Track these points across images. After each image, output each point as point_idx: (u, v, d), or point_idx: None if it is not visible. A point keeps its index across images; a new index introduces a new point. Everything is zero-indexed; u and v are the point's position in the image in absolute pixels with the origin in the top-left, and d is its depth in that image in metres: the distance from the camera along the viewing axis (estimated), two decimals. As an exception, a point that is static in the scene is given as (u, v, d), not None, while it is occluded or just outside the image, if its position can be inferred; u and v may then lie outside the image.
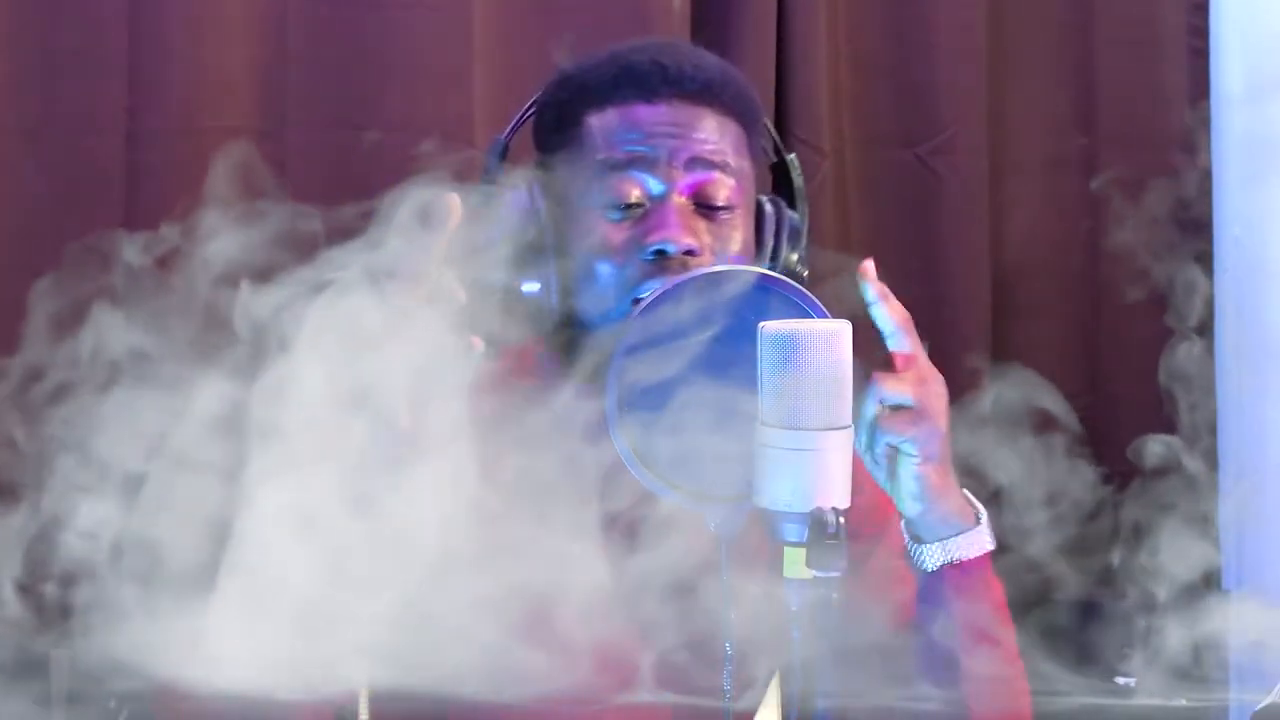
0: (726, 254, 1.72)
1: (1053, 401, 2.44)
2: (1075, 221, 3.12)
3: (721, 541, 1.51)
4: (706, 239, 1.70)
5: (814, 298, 1.48)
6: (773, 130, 1.87)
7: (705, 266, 1.62)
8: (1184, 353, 3.13)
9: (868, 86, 3.08)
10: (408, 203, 1.35)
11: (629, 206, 1.70)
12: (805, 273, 1.79)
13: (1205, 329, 3.20)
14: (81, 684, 1.94)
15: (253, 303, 1.46)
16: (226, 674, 1.39)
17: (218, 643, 1.42)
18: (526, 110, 1.83)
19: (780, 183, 1.88)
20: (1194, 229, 3.14)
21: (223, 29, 2.54)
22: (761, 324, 1.32)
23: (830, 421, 1.30)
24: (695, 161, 1.72)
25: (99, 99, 2.46)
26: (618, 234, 1.70)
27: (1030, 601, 2.35)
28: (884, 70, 3.09)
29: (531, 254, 1.70)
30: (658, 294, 1.50)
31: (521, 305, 1.71)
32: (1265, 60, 3.23)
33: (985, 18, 3.12)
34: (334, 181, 2.47)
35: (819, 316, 1.44)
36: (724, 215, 1.73)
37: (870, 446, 1.56)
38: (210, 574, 1.48)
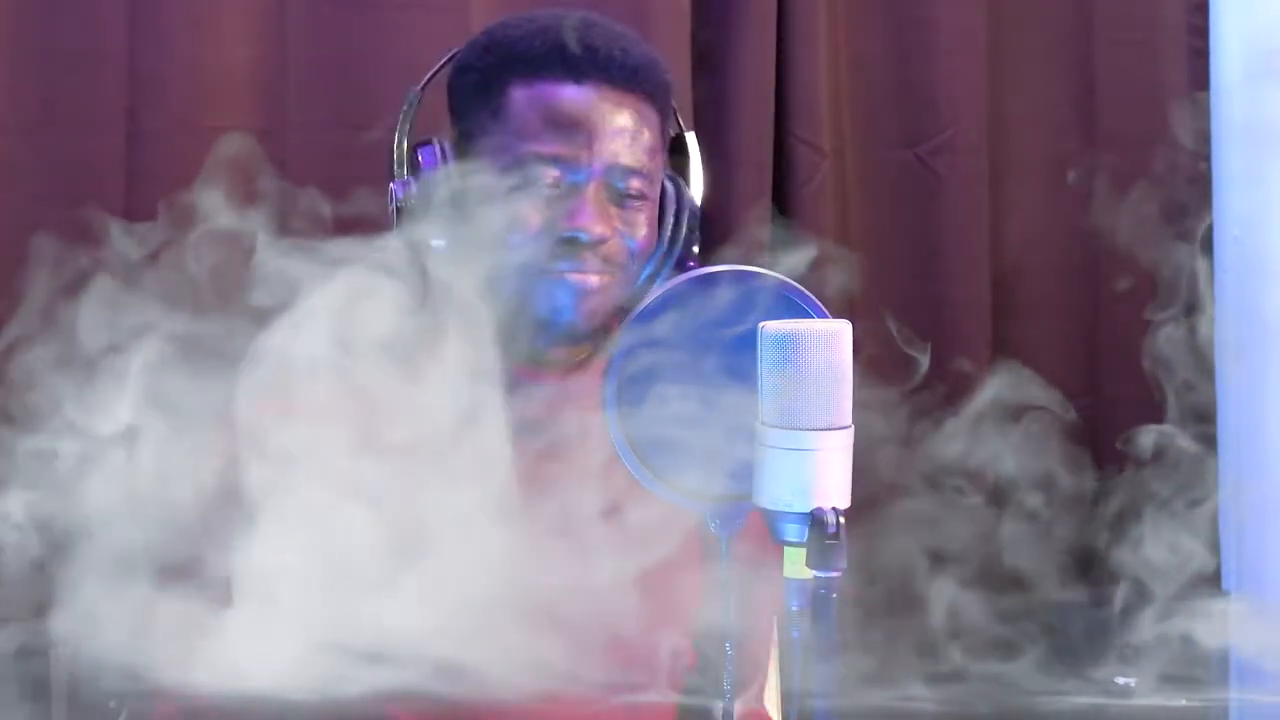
0: (634, 238, 1.78)
1: (1052, 401, 2.44)
2: (1075, 221, 3.11)
3: (722, 540, 1.52)
4: (616, 224, 1.77)
5: (814, 298, 1.48)
6: (676, 106, 1.91)
7: (707, 268, 1.62)
8: (1183, 353, 3.14)
9: (868, 86, 3.07)
10: None
11: (546, 186, 1.75)
12: (696, 249, 1.85)
13: (1205, 330, 3.20)
14: (81, 684, 1.94)
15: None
16: (244, 675, 1.40)
17: (236, 644, 1.43)
18: (443, 63, 1.87)
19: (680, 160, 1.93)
20: (1194, 229, 3.14)
21: (222, 29, 2.54)
22: (761, 324, 1.32)
23: (830, 421, 1.30)
24: (615, 154, 1.76)
25: (99, 99, 2.46)
26: (533, 214, 1.74)
27: (1029, 601, 2.36)
28: (884, 70, 3.08)
29: (440, 212, 1.72)
30: (656, 295, 1.50)
31: (426, 258, 1.72)
32: (1265, 60, 3.23)
33: (985, 18, 3.11)
34: (333, 181, 2.47)
35: (819, 316, 1.44)
36: (634, 204, 1.79)
37: None
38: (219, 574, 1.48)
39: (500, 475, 1.59)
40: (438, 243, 1.72)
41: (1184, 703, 2.03)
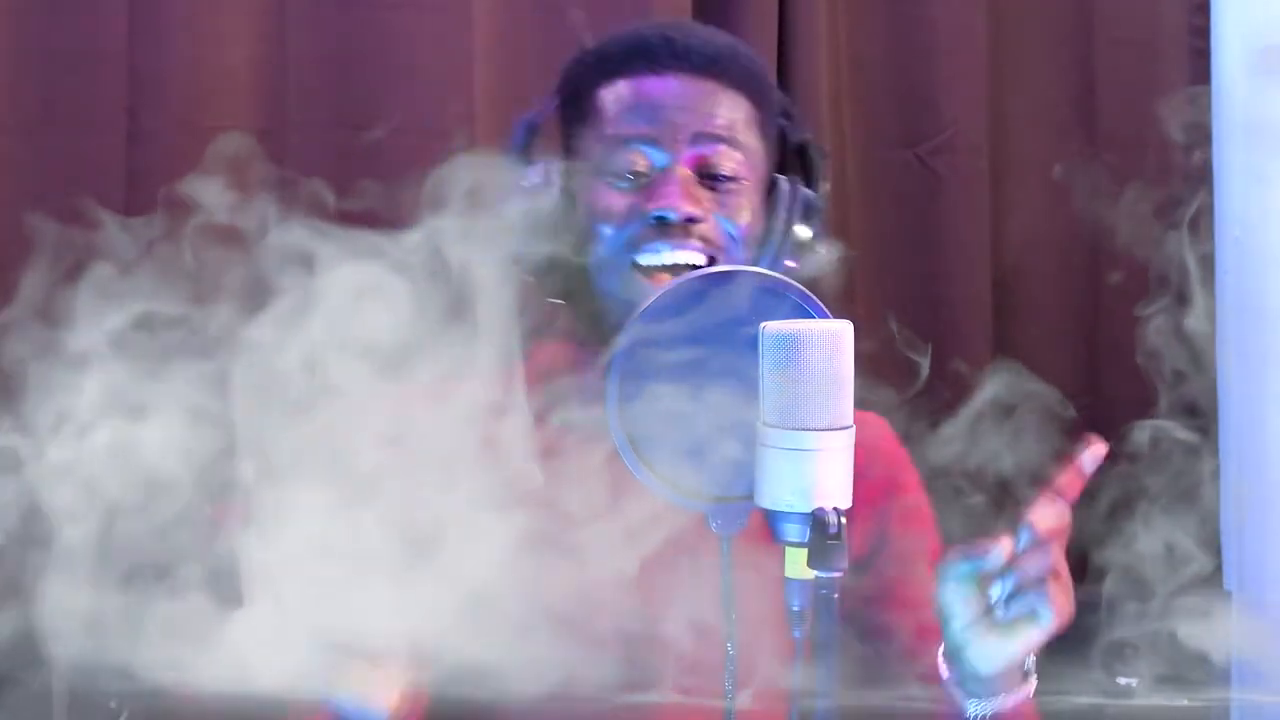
0: (734, 223, 1.76)
1: (1052, 401, 2.44)
2: (1075, 221, 3.11)
3: (723, 541, 1.52)
4: (709, 207, 1.75)
5: (815, 298, 1.48)
6: (792, 110, 1.91)
7: (708, 268, 1.62)
8: (1184, 353, 3.14)
9: (868, 86, 3.08)
10: None
11: (635, 175, 1.75)
12: (821, 249, 1.81)
13: (1206, 329, 3.20)
14: (82, 684, 1.94)
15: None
16: (256, 676, 1.40)
17: (252, 645, 1.43)
18: (551, 96, 1.88)
19: (804, 167, 1.90)
20: (1194, 230, 3.14)
21: (222, 29, 2.54)
22: (763, 324, 1.32)
23: (831, 421, 1.30)
24: (701, 134, 1.75)
25: (99, 99, 2.46)
26: (622, 200, 1.75)
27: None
28: (884, 70, 3.09)
29: (547, 226, 1.73)
30: (658, 295, 1.50)
31: (544, 276, 1.74)
32: (1261, 56, 3.23)
33: (985, 18, 3.12)
34: (334, 181, 2.47)
35: (820, 316, 1.44)
36: (729, 186, 1.77)
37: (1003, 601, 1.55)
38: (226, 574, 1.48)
39: (552, 479, 1.58)
40: (543, 261, 1.74)
41: (1185, 703, 2.03)
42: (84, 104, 2.46)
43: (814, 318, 1.44)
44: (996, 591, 1.53)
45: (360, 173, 1.84)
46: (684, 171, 1.74)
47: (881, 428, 1.97)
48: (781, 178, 1.84)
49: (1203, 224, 3.17)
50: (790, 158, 1.90)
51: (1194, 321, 3.14)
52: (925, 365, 2.04)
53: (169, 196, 1.65)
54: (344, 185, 1.74)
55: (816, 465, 1.30)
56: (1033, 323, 3.17)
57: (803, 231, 1.82)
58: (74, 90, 2.45)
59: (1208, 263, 3.19)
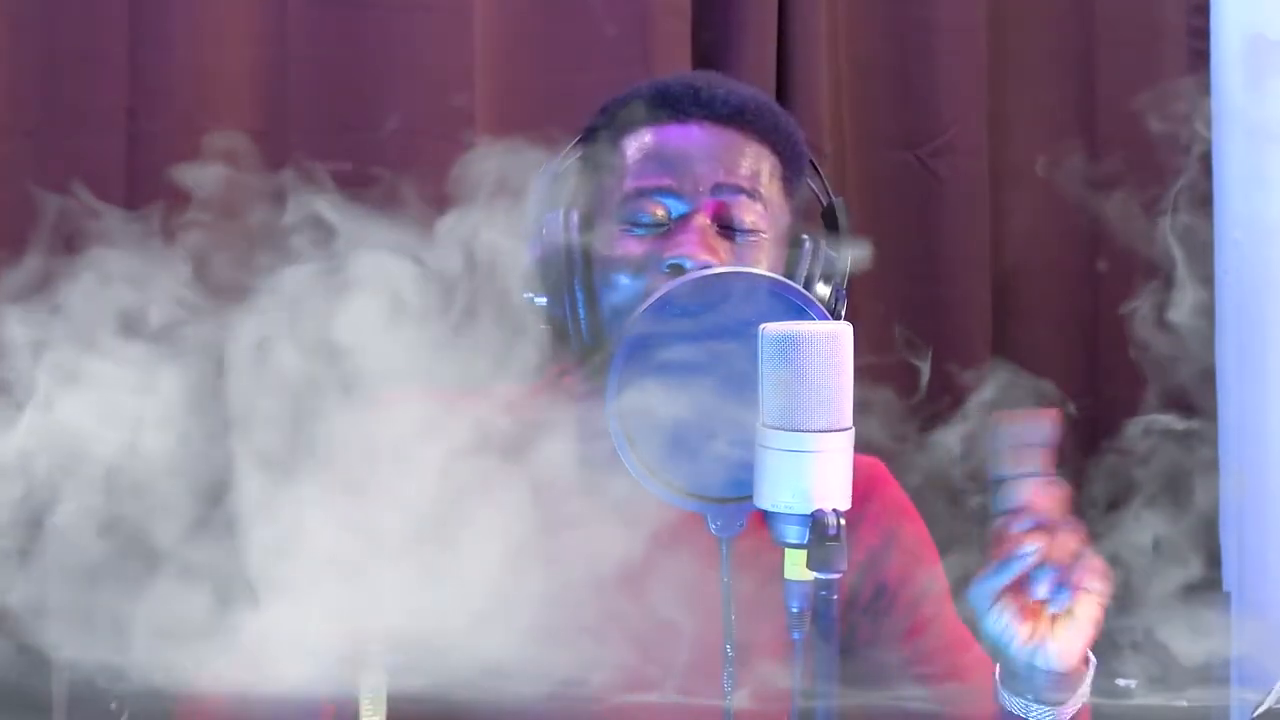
0: None
1: (1052, 402, 2.43)
2: (1075, 222, 3.12)
3: (722, 542, 1.52)
4: (727, 258, 1.70)
5: (815, 300, 1.48)
6: (820, 170, 1.87)
7: (705, 270, 1.62)
8: (1184, 354, 3.14)
9: (868, 88, 3.07)
10: None
11: (654, 224, 1.71)
12: (842, 311, 1.79)
13: (1206, 332, 3.21)
14: (83, 685, 1.94)
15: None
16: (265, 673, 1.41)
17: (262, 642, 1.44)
18: (578, 139, 1.84)
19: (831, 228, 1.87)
20: (1193, 232, 3.14)
21: (223, 30, 2.54)
22: (762, 325, 1.32)
23: (831, 423, 1.30)
24: (721, 185, 1.72)
25: (99, 100, 2.46)
26: (639, 248, 1.71)
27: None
28: (884, 71, 3.08)
29: (559, 274, 1.72)
30: (658, 296, 1.50)
31: (553, 324, 1.72)
32: (1265, 61, 3.23)
33: (985, 19, 3.11)
34: (333, 183, 2.47)
35: (819, 318, 1.44)
36: (749, 238, 1.73)
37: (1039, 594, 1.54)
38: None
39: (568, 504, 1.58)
40: (556, 308, 1.72)
41: (1184, 704, 2.03)
42: (84, 105, 2.46)
43: (813, 318, 1.44)
44: (1042, 590, 1.52)
45: (360, 173, 1.85)
46: (703, 220, 1.71)
47: (879, 471, 1.95)
48: (806, 238, 1.80)
49: (1202, 226, 3.17)
50: (816, 218, 1.88)
51: (1193, 323, 3.14)
52: (925, 367, 2.04)
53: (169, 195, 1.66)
54: (343, 186, 1.74)
55: (816, 466, 1.30)
56: (1033, 323, 3.17)
57: (821, 290, 1.78)
58: (74, 91, 2.45)
59: (1207, 264, 3.19)
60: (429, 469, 1.52)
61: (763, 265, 1.72)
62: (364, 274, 1.58)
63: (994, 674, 1.66)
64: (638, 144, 1.76)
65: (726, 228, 1.72)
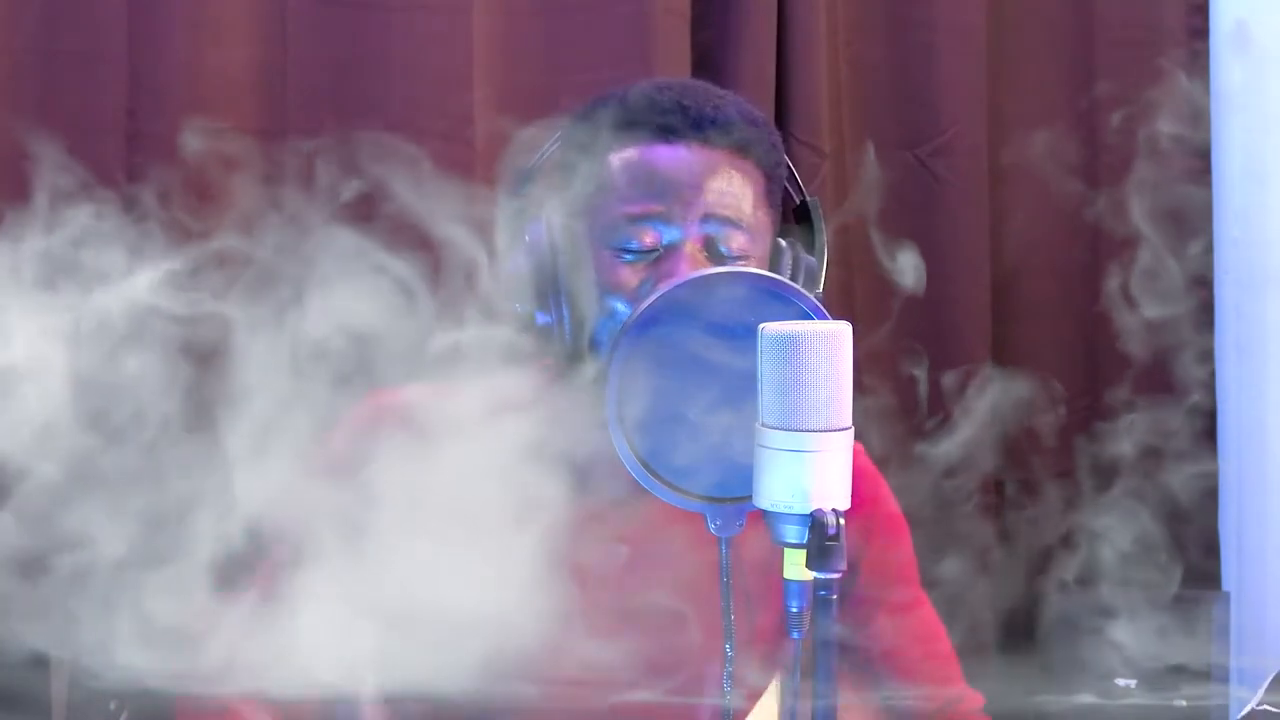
0: None
1: (1053, 403, 2.44)
2: (1075, 223, 3.12)
3: (722, 542, 1.52)
4: None
5: (815, 299, 1.48)
6: (795, 173, 1.87)
7: (704, 270, 1.62)
8: (1183, 354, 3.14)
9: (868, 88, 3.08)
10: None
11: (643, 251, 1.71)
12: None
13: (1206, 331, 3.21)
14: (82, 686, 1.94)
15: None
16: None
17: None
18: (554, 141, 1.83)
19: (803, 221, 1.87)
20: (1193, 230, 3.14)
21: (223, 30, 2.54)
22: (762, 325, 1.32)
23: (830, 423, 1.30)
24: (711, 216, 1.71)
25: (99, 100, 2.46)
26: (632, 275, 1.70)
27: (1028, 601, 2.36)
28: (884, 71, 3.08)
29: (546, 286, 1.71)
30: (657, 296, 1.50)
31: (534, 333, 1.72)
32: (1265, 61, 3.24)
33: (985, 19, 3.11)
34: (332, 182, 2.47)
35: (819, 317, 1.44)
36: (737, 264, 1.72)
37: None
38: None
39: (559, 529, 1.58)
40: (544, 319, 1.72)
41: (1183, 703, 2.03)
42: (84, 105, 2.46)
43: (812, 318, 1.44)
44: None
45: (358, 174, 1.85)
46: (693, 247, 1.70)
47: (857, 451, 1.96)
48: (783, 243, 1.81)
49: (1201, 225, 3.18)
50: (791, 216, 1.87)
51: (1192, 322, 3.14)
52: (923, 367, 2.04)
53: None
54: (342, 186, 1.74)
55: (815, 466, 1.29)
56: (1033, 325, 3.17)
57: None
58: (74, 91, 2.45)
59: (1207, 264, 3.19)
60: (427, 467, 1.53)
61: None
62: (349, 270, 1.58)
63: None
64: (626, 163, 1.74)
65: (715, 252, 1.71)
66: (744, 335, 1.36)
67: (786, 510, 1.30)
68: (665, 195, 1.71)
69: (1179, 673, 2.18)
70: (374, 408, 1.70)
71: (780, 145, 1.83)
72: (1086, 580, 2.34)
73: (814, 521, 1.28)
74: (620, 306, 1.69)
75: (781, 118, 2.92)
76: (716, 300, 1.48)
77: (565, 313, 1.71)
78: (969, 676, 1.93)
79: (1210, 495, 3.18)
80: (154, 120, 2.49)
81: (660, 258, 1.70)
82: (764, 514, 1.32)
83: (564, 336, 1.71)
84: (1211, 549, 3.15)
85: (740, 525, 1.48)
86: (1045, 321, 3.17)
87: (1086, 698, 1.96)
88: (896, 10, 3.09)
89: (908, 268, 2.04)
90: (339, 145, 2.14)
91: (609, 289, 1.70)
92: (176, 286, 1.55)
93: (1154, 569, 3.01)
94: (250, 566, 1.62)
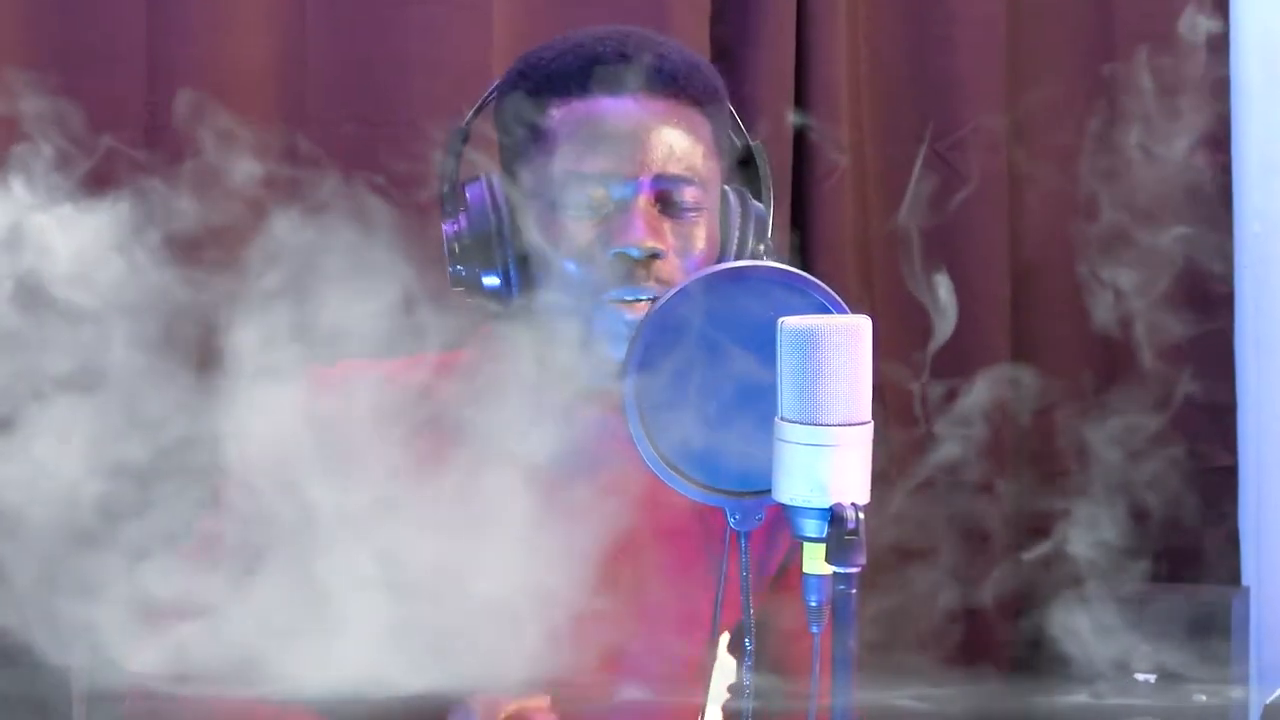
0: (691, 254, 1.71)
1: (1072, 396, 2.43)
2: (1094, 217, 3.11)
3: (741, 536, 1.52)
4: (671, 240, 1.69)
5: (834, 293, 1.48)
6: (738, 119, 1.84)
7: (724, 264, 1.62)
8: (1204, 349, 3.13)
9: (887, 81, 3.08)
10: None
11: (592, 207, 1.69)
12: (768, 260, 1.77)
13: (1225, 324, 3.20)
14: (99, 698, 1.94)
15: None
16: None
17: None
18: (488, 95, 1.81)
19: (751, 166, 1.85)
20: (1213, 224, 3.14)
21: (241, 24, 2.54)
22: (781, 319, 1.31)
23: (850, 417, 1.29)
24: (661, 174, 1.69)
25: (118, 94, 2.46)
26: (583, 234, 1.68)
27: (1046, 597, 2.35)
28: (903, 65, 3.09)
29: (492, 246, 1.71)
30: (673, 292, 1.50)
31: (481, 296, 1.71)
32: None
33: (1005, 12, 3.11)
34: (351, 176, 2.48)
35: (839, 312, 1.44)
36: (690, 215, 1.71)
37: None
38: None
39: (535, 504, 1.57)
40: (490, 280, 1.71)
41: (1203, 698, 2.03)
42: (103, 99, 2.46)
43: (832, 312, 1.43)
44: None
45: (378, 168, 1.85)
46: (644, 202, 1.68)
47: None
48: (730, 192, 1.80)
49: (1221, 218, 3.17)
50: (739, 165, 1.85)
51: (1212, 315, 3.13)
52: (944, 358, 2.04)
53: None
54: (361, 180, 1.74)
55: (834, 460, 1.29)
56: (1052, 318, 3.17)
57: (757, 248, 1.77)
58: (93, 86, 2.45)
59: (1227, 257, 3.18)
60: (372, 447, 1.53)
61: (701, 239, 1.72)
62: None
63: None
64: (570, 119, 1.71)
65: (668, 205, 1.70)
66: (762, 329, 1.35)
67: (806, 504, 1.30)
68: (615, 151, 1.69)
69: (1198, 667, 2.18)
70: (316, 381, 1.65)
71: (724, 91, 1.81)
72: (1103, 574, 2.34)
73: (833, 516, 1.28)
74: (572, 268, 1.68)
75: (801, 109, 2.92)
76: (734, 294, 1.47)
77: (514, 273, 1.70)
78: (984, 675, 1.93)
79: (1230, 489, 3.17)
80: (173, 114, 2.49)
81: (611, 214, 1.69)
82: (783, 508, 1.31)
83: (511, 296, 1.70)
84: (1231, 543, 3.15)
85: (759, 519, 1.48)
86: (1065, 314, 3.17)
87: (1107, 692, 1.96)
88: (916, 4, 3.09)
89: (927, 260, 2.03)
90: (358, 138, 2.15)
91: (561, 250, 1.69)
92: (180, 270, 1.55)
93: (1171, 564, 3.01)
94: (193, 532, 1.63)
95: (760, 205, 1.81)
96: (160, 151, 2.46)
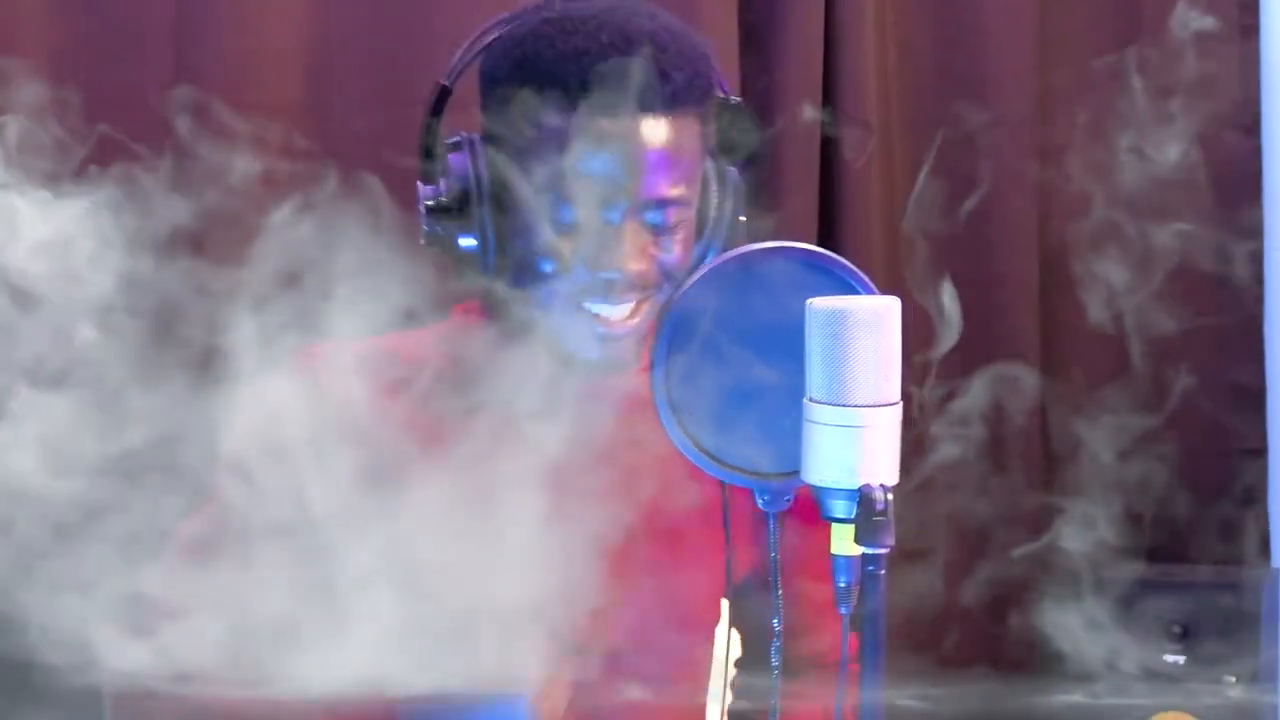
0: (671, 258, 1.70)
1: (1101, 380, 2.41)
2: (1123, 200, 3.11)
3: (771, 517, 1.52)
4: (653, 252, 1.68)
5: (862, 274, 1.48)
6: (724, 85, 1.79)
7: (751, 245, 1.61)
8: (1234, 335, 3.12)
9: (915, 67, 3.07)
10: None
11: (581, 223, 1.66)
12: (743, 218, 1.77)
13: (1256, 310, 3.19)
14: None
15: None
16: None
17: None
18: (469, 59, 1.77)
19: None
20: (1243, 209, 3.13)
21: (267, 7, 2.55)
22: (810, 300, 1.31)
23: (879, 398, 1.29)
24: (653, 193, 1.66)
25: (144, 78, 2.47)
26: (567, 245, 1.66)
27: (1078, 579, 2.34)
28: (931, 51, 3.08)
29: (471, 214, 1.68)
30: (700, 274, 1.49)
31: (456, 259, 1.70)
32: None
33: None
34: (376, 157, 2.48)
35: (867, 293, 1.44)
36: (675, 234, 1.70)
37: None
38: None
39: (537, 477, 1.57)
40: (467, 243, 1.69)
41: (1233, 679, 2.02)
42: (129, 83, 2.47)
43: (860, 294, 1.43)
44: None
45: (403, 149, 1.84)
46: (633, 227, 1.66)
47: None
48: (710, 164, 1.76)
49: (1251, 204, 3.16)
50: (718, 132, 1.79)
51: (1243, 300, 3.12)
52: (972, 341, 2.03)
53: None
54: (386, 162, 1.74)
55: (863, 441, 1.29)
56: (1080, 301, 3.16)
57: (738, 220, 1.76)
58: (119, 70, 2.46)
59: (1257, 243, 3.18)
60: (365, 425, 1.54)
61: (680, 245, 1.70)
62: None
63: None
64: (564, 129, 1.65)
65: (656, 225, 1.68)
66: (791, 310, 1.35)
67: (834, 485, 1.30)
68: (606, 178, 1.64)
69: (1228, 648, 2.17)
70: (309, 360, 1.63)
71: (718, 75, 1.76)
72: (1135, 556, 2.34)
73: (862, 497, 1.28)
74: (549, 269, 1.66)
75: (830, 96, 2.91)
76: (762, 275, 1.47)
77: (491, 236, 1.68)
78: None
79: (1260, 472, 3.17)
80: (198, 99, 2.50)
81: (597, 232, 1.66)
82: (812, 489, 1.31)
83: (489, 259, 1.68)
84: (1261, 526, 3.14)
85: (788, 500, 1.48)
86: (1093, 298, 3.16)
87: (1136, 674, 1.95)
88: (944, -13, 3.09)
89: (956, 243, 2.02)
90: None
91: (544, 255, 1.66)
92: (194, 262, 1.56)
93: (1202, 547, 3.00)
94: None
95: (734, 172, 1.77)
96: (186, 135, 2.48)
